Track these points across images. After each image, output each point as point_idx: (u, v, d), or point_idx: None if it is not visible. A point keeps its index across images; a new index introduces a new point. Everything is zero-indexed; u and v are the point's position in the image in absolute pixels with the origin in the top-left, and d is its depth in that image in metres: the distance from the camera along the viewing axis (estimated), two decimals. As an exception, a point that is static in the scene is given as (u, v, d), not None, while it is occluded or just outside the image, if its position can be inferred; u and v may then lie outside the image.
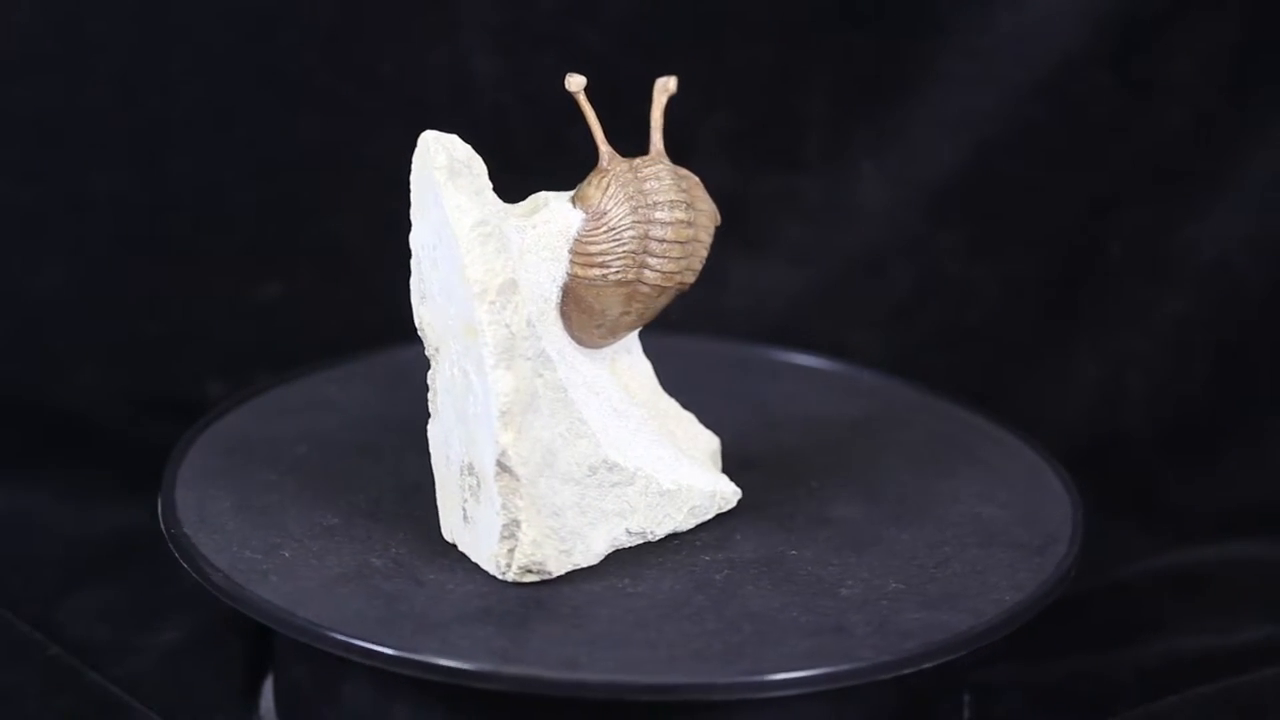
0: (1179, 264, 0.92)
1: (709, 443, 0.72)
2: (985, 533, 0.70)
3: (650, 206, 0.67)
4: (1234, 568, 0.83)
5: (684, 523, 0.70)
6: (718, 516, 0.70)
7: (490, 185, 0.67)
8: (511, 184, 0.69)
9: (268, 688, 0.74)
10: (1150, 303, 0.93)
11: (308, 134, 0.93)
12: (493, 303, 0.65)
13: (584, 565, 0.68)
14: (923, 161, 0.93)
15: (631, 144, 0.69)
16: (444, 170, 0.66)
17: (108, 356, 0.92)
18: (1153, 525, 0.87)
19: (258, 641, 0.76)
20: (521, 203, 0.69)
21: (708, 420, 0.72)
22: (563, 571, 0.67)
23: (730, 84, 0.93)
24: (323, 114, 0.93)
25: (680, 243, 0.67)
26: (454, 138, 0.67)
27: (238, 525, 0.69)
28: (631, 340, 0.71)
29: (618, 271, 0.67)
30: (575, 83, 0.68)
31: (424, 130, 0.67)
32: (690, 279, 0.69)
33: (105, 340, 0.92)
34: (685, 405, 0.72)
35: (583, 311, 0.68)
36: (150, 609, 0.78)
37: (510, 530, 0.66)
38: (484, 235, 0.66)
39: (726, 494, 0.70)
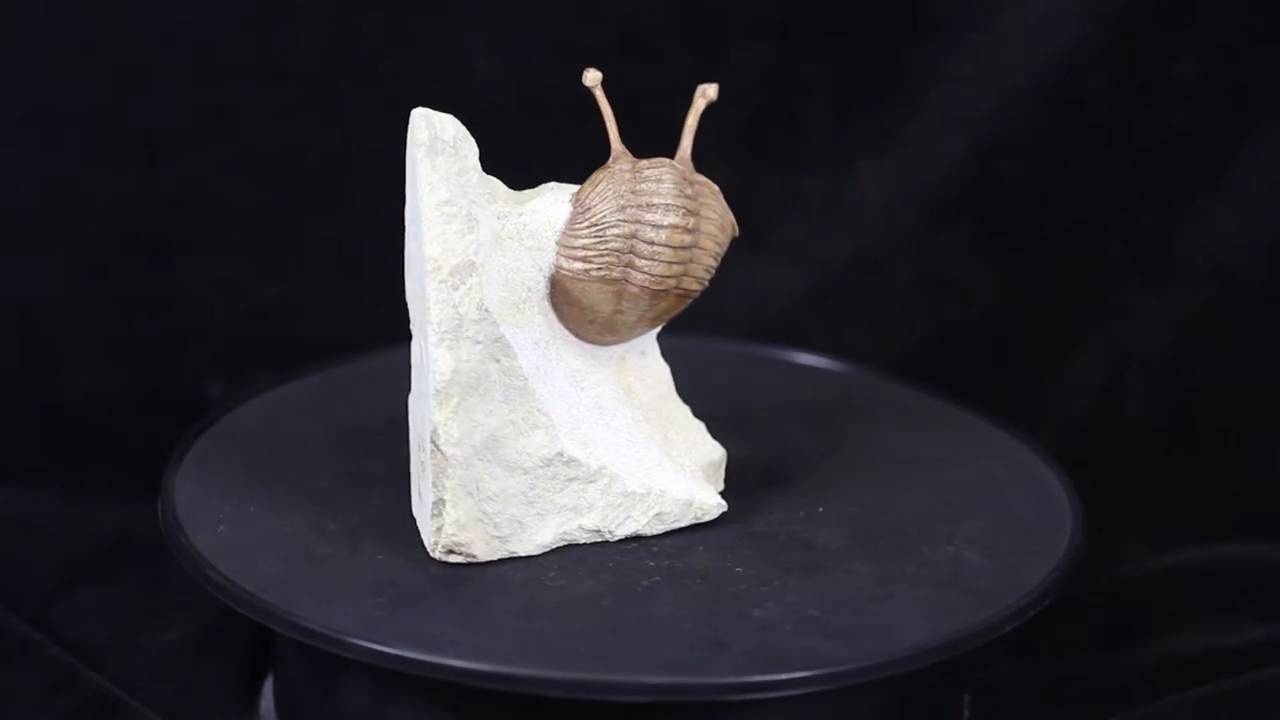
0: (1179, 264, 0.92)
1: (710, 454, 0.71)
2: (984, 533, 0.70)
3: (642, 207, 0.67)
4: (1234, 568, 0.83)
5: (648, 527, 0.69)
6: (693, 525, 0.70)
7: (478, 169, 0.67)
8: (511, 184, 0.69)
9: (268, 688, 0.74)
10: (1150, 303, 0.93)
11: (308, 134, 0.93)
12: (444, 282, 0.66)
13: (523, 554, 0.68)
14: (923, 161, 0.93)
15: (631, 146, 0.69)
16: (423, 147, 0.66)
17: (108, 356, 0.92)
18: (1152, 525, 0.87)
19: (258, 641, 0.76)
20: (525, 190, 0.69)
21: (704, 420, 0.72)
22: (494, 557, 0.68)
23: (730, 84, 0.93)
24: (323, 114, 0.93)
25: (672, 247, 0.67)
26: (446, 117, 0.67)
27: (237, 525, 0.69)
28: (647, 342, 0.71)
29: (600, 268, 0.67)
30: (592, 78, 0.68)
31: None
32: (693, 286, 0.68)
33: (105, 340, 0.92)
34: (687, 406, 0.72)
35: (571, 305, 0.68)
36: (150, 609, 0.78)
37: (438, 509, 0.67)
38: (448, 215, 0.66)
39: (706, 505, 0.70)
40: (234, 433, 0.75)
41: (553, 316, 0.69)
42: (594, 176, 0.68)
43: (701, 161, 0.69)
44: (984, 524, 0.71)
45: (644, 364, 0.71)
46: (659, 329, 0.71)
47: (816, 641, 0.64)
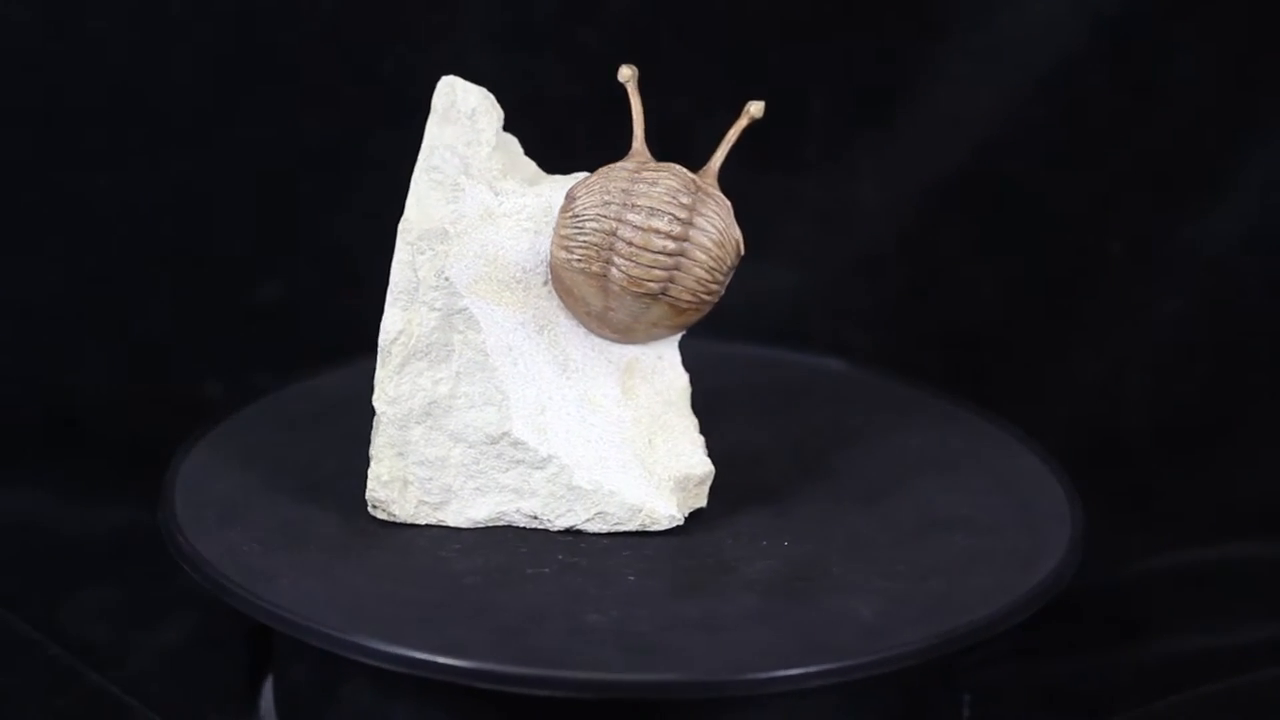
0: (1179, 264, 0.92)
1: (692, 469, 0.69)
2: (984, 532, 0.70)
3: (626, 206, 0.67)
4: (1234, 568, 0.83)
5: (589, 524, 0.69)
6: (674, 527, 0.69)
7: (492, 143, 0.68)
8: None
9: (268, 688, 0.74)
10: (1150, 303, 0.93)
11: (308, 134, 0.93)
12: (410, 244, 0.67)
13: (453, 525, 0.69)
14: (923, 161, 0.93)
15: (625, 146, 0.69)
16: (437, 113, 0.68)
17: (108, 356, 0.92)
18: (1152, 525, 0.87)
19: (258, 641, 0.76)
20: (555, 175, 0.69)
21: (705, 420, 0.71)
22: (419, 521, 0.69)
23: (730, 84, 0.93)
24: (323, 114, 0.92)
25: (650, 251, 0.67)
26: (473, 89, 0.68)
27: (237, 525, 0.69)
28: (668, 349, 0.70)
29: (580, 260, 0.67)
30: (625, 73, 0.68)
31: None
32: (684, 296, 0.67)
33: (105, 340, 0.92)
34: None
35: (565, 292, 0.68)
36: (150, 609, 0.78)
37: (369, 461, 0.68)
38: (434, 181, 0.67)
39: (656, 515, 0.69)
40: (234, 433, 0.75)
41: (558, 302, 0.69)
42: (600, 169, 0.68)
43: (701, 160, 0.69)
44: (983, 523, 0.71)
45: (659, 369, 0.70)
46: (677, 336, 0.70)
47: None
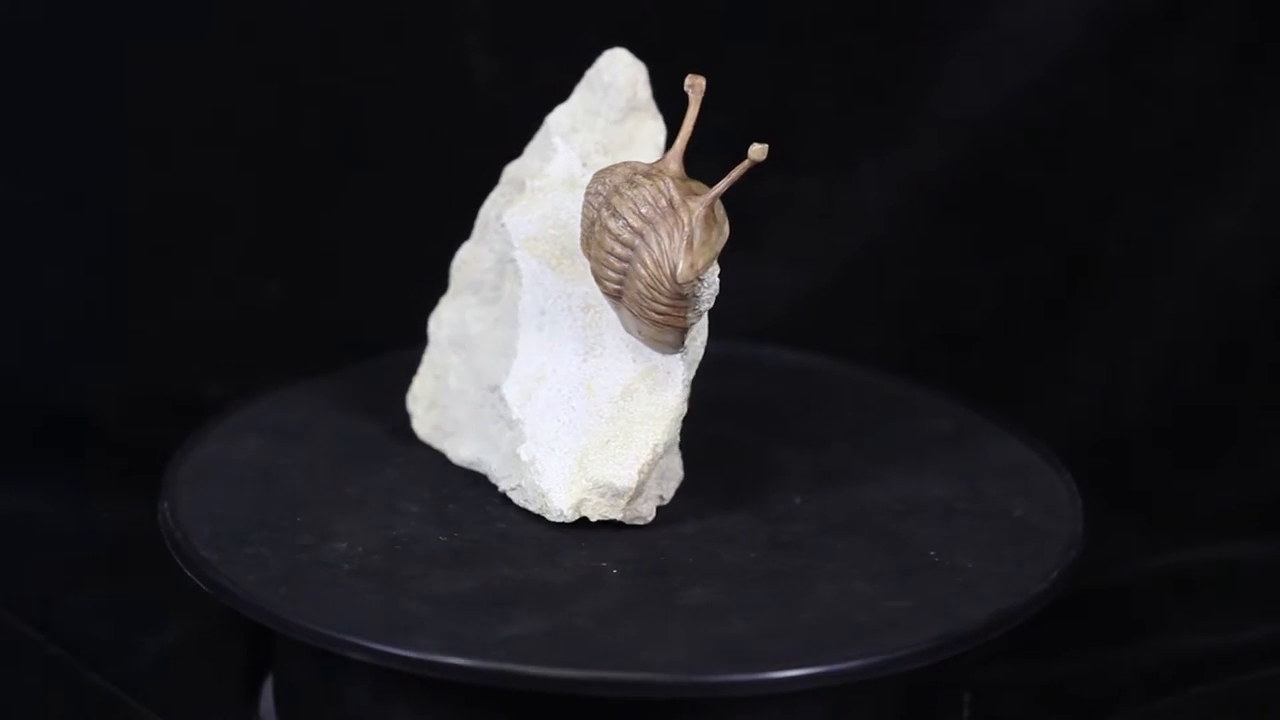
0: (1179, 264, 0.92)
1: (613, 477, 0.68)
2: (985, 532, 0.70)
3: (607, 205, 0.67)
4: (1234, 568, 0.83)
5: (513, 493, 0.69)
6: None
7: (615, 120, 0.69)
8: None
9: (268, 688, 0.74)
10: (1150, 303, 0.93)
11: (308, 134, 0.93)
12: (499, 186, 0.69)
13: (447, 457, 0.71)
14: (923, 161, 0.93)
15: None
16: (588, 76, 0.70)
17: (108, 356, 0.92)
18: (1153, 525, 0.87)
19: (258, 641, 0.76)
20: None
21: (703, 419, 0.71)
22: (430, 444, 0.71)
23: (730, 84, 0.93)
24: (323, 114, 0.93)
25: (604, 250, 0.67)
26: (629, 69, 0.69)
27: (237, 525, 0.69)
28: (678, 366, 0.68)
29: (583, 243, 0.68)
30: (696, 82, 0.67)
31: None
32: (634, 303, 0.67)
33: (105, 340, 0.92)
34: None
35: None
36: (150, 609, 0.78)
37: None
38: (544, 135, 0.70)
39: (550, 506, 0.68)
40: (234, 433, 0.75)
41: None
42: (626, 162, 0.68)
43: (701, 160, 0.69)
44: (983, 523, 0.71)
45: (665, 384, 0.69)
46: (685, 357, 0.68)
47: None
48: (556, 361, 0.69)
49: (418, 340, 0.74)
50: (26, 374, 0.91)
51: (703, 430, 0.71)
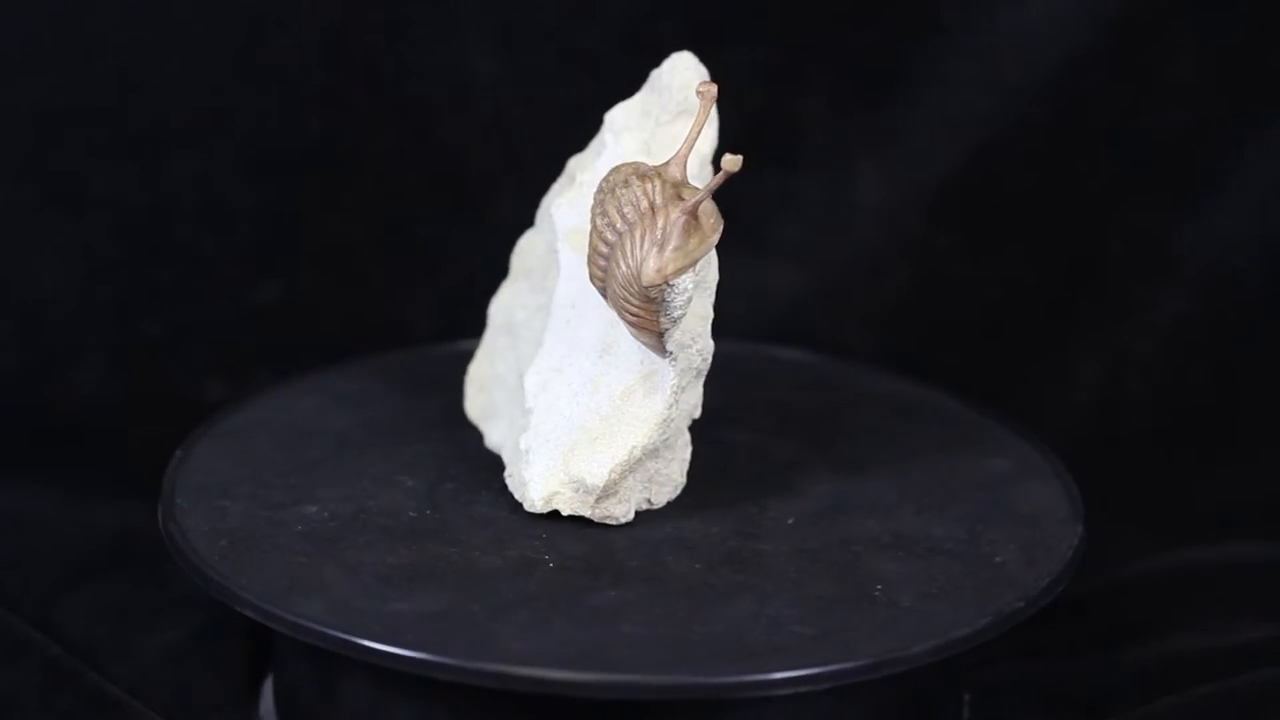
0: (1179, 264, 0.92)
1: (586, 474, 0.68)
2: (984, 533, 0.70)
3: (600, 204, 0.67)
4: (1234, 568, 0.83)
5: (508, 479, 0.70)
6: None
7: (665, 123, 0.69)
8: (511, 184, 0.69)
9: (268, 688, 0.74)
10: (1150, 303, 0.93)
11: (308, 134, 0.93)
12: (561, 176, 0.70)
13: (486, 440, 0.71)
14: (923, 161, 0.93)
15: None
16: (649, 80, 0.70)
17: (107, 356, 0.92)
18: (1153, 525, 0.87)
19: (258, 641, 0.76)
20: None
21: (703, 418, 0.71)
22: (475, 423, 0.72)
23: (730, 84, 0.93)
24: (323, 114, 0.93)
25: (592, 249, 0.67)
26: (689, 71, 0.69)
27: (237, 525, 0.69)
28: (670, 371, 0.68)
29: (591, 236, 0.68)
30: (707, 90, 0.67)
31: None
32: (611, 298, 0.67)
33: (105, 340, 0.92)
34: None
35: None
36: (150, 609, 0.78)
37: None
38: (604, 131, 0.70)
39: (524, 496, 0.69)
40: (234, 433, 0.75)
41: None
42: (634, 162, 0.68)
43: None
44: (983, 524, 0.71)
45: (652, 389, 0.68)
46: (677, 366, 0.68)
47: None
48: (575, 356, 0.69)
49: (419, 339, 0.74)
50: (26, 374, 0.91)
51: (703, 432, 0.71)
